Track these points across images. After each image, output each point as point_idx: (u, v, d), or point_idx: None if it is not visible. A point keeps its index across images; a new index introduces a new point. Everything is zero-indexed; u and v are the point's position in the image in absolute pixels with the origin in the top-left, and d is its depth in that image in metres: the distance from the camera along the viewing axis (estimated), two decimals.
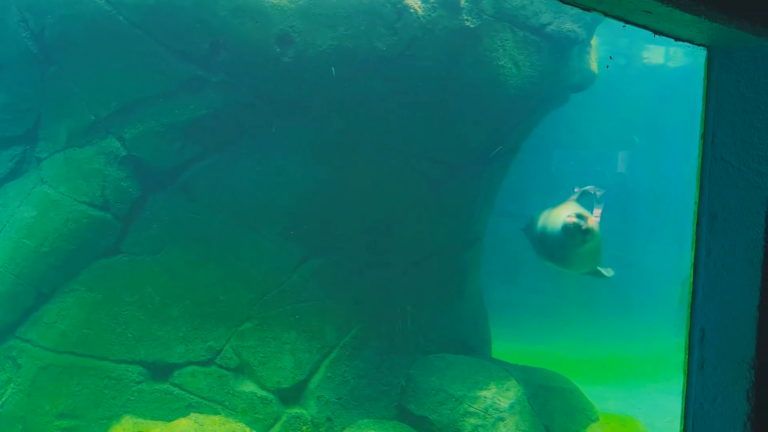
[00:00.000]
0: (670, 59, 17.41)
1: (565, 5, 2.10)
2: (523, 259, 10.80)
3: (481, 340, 9.04)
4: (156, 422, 6.87)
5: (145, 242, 7.34)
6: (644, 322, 14.66)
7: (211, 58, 6.90)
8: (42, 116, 7.52)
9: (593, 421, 7.81)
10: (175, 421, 6.81)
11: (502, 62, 7.28)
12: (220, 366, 7.39)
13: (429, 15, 6.86)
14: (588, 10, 2.03)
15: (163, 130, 7.12)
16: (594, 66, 8.69)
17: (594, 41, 8.60)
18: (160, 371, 7.27)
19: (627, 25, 2.13)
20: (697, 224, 2.41)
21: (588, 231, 7.58)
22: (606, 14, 2.02)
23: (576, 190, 8.66)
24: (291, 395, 7.44)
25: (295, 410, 7.40)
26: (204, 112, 7.06)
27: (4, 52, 7.38)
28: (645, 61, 17.35)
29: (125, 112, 7.17)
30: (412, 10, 6.82)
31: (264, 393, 7.35)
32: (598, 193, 8.49)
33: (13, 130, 7.61)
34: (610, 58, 13.94)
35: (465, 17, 6.97)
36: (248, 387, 7.37)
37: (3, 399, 6.82)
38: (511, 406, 7.29)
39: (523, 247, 9.32)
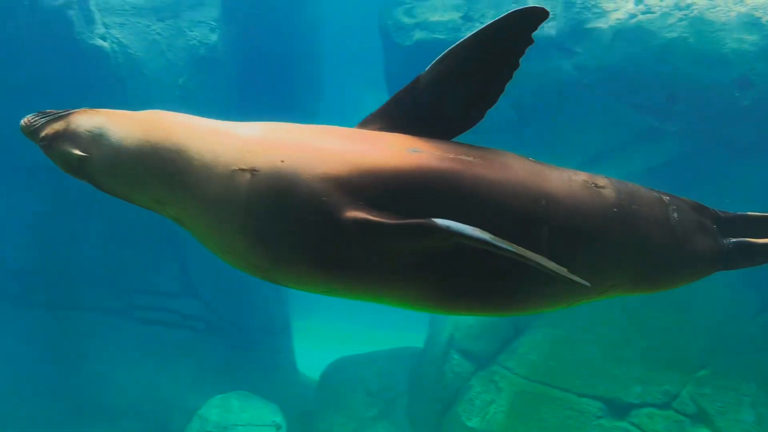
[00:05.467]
0: None
1: None
2: None
3: None
4: None
5: None
6: None
7: (668, 108, 7.28)
8: None
9: None
10: None
11: None
12: (677, 411, 7.41)
13: None
14: None
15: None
16: None
17: None
18: (618, 409, 7.56)
19: None
20: None
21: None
22: None
23: None
24: None
25: None
26: (660, 160, 7.42)
27: (490, 120, 8.68)
28: None
29: (587, 165, 7.89)
30: None
31: None
32: None
33: None
34: None
35: None
36: None
37: (488, 416, 7.78)
38: None
39: None
